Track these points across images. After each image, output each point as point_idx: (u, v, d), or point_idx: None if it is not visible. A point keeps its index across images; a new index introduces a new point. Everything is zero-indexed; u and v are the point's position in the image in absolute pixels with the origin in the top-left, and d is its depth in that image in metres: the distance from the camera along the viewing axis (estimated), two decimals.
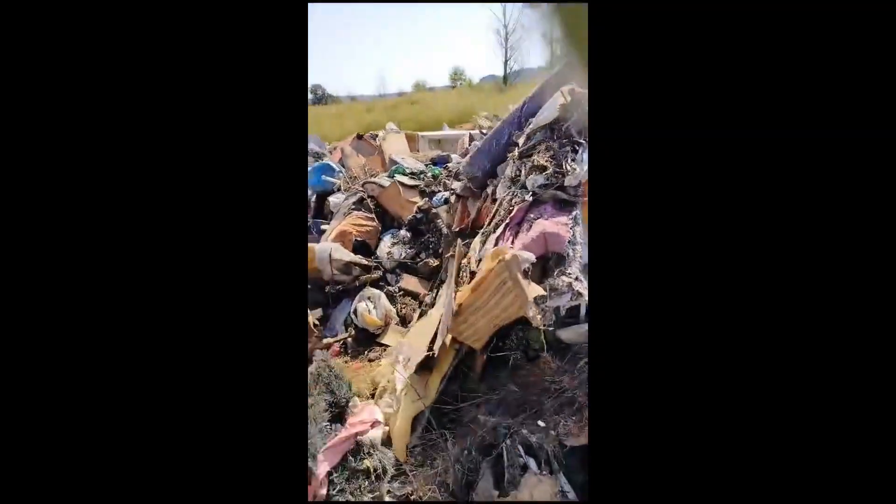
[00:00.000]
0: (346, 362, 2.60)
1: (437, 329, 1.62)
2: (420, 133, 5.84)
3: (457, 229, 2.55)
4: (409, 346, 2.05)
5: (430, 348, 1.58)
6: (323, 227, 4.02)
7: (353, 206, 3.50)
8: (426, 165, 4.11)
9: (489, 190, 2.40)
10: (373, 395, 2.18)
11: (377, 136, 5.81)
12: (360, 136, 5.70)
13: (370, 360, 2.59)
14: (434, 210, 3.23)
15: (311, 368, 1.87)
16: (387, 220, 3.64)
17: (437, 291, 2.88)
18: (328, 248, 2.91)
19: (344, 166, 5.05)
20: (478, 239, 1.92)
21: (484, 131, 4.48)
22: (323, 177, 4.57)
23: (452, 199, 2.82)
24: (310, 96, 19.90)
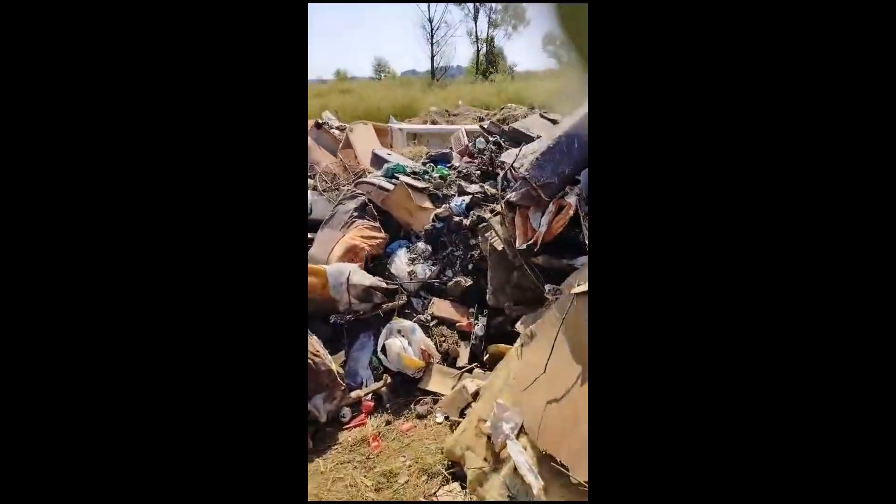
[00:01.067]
0: (387, 423, 1.99)
1: None
2: (397, 125, 5.17)
3: (522, 246, 2.09)
4: (514, 410, 1.54)
5: None
6: None
7: (356, 213, 2.81)
8: (424, 164, 3.53)
9: (571, 199, 1.99)
10: (454, 478, 1.63)
11: (332, 125, 5.01)
12: (319, 125, 4.85)
13: (420, 417, 2.02)
14: (465, 221, 2.70)
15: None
16: (389, 230, 3.02)
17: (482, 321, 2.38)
18: (345, 271, 2.23)
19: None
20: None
21: (488, 125, 4.02)
22: None
23: (500, 207, 2.35)
24: None
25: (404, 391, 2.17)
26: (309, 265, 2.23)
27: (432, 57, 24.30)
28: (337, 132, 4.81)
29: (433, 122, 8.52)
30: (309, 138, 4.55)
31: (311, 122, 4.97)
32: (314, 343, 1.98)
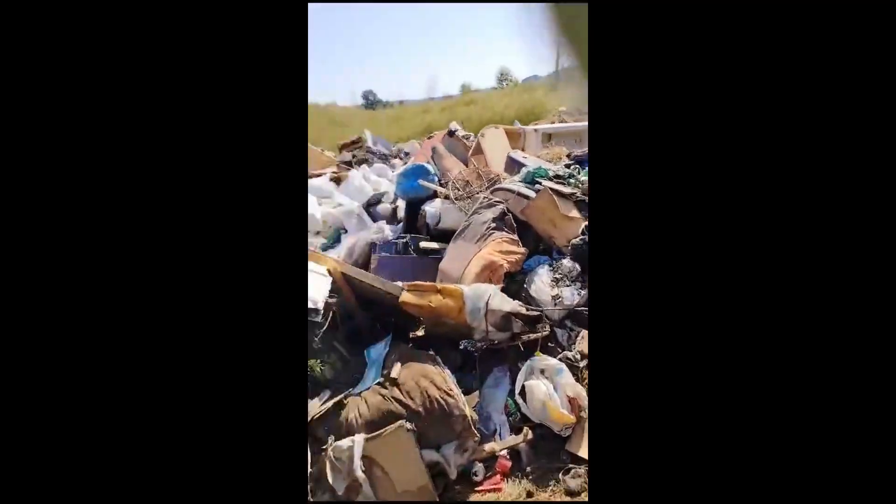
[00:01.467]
0: (528, 494, 1.57)
1: None
2: (527, 127, 4.81)
3: None
4: None
5: None
6: (424, 245, 3.08)
7: (494, 225, 2.49)
8: (567, 166, 3.06)
9: None
10: None
11: (462, 133, 4.89)
12: (451, 133, 4.76)
13: (570, 494, 1.55)
14: None
15: None
16: (526, 243, 2.62)
17: None
18: (485, 294, 1.90)
19: (437, 167, 4.16)
20: None
21: None
22: (420, 181, 3.65)
23: None
24: (362, 101, 20.28)
25: (546, 450, 1.73)
26: (444, 285, 1.97)
27: (557, 58, 23.27)
28: (466, 142, 4.69)
29: (563, 121, 7.88)
30: (441, 146, 4.48)
31: (443, 132, 4.97)
32: (447, 378, 1.68)
